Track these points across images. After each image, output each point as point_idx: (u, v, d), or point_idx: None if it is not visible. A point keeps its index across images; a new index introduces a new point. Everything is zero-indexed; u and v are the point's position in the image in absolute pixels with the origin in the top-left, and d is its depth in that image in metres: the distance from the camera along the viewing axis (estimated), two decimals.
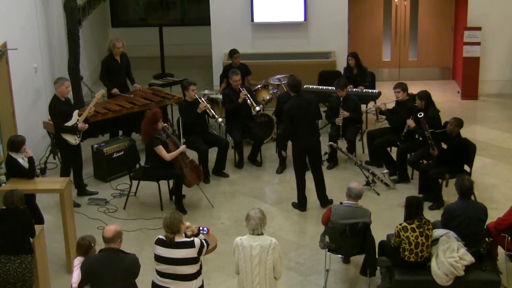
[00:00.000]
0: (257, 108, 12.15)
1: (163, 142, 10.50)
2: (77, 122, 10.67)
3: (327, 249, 8.77)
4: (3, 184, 9.21)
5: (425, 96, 11.02)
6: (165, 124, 10.91)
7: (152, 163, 10.57)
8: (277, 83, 13.44)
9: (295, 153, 10.62)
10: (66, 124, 10.60)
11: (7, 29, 11.19)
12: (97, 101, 11.17)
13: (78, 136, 10.73)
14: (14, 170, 9.39)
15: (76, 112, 10.78)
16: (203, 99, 11.72)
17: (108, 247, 7.09)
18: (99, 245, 7.35)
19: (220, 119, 11.92)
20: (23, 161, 9.39)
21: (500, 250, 8.80)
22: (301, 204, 10.73)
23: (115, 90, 12.50)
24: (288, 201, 10.90)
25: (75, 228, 9.60)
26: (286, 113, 10.50)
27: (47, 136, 12.08)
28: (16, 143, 9.36)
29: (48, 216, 10.21)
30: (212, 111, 11.68)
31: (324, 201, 10.67)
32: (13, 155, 9.34)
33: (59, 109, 10.59)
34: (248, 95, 12.11)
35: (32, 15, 12.53)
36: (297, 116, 10.36)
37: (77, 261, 7.35)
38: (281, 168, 11.98)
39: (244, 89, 12.15)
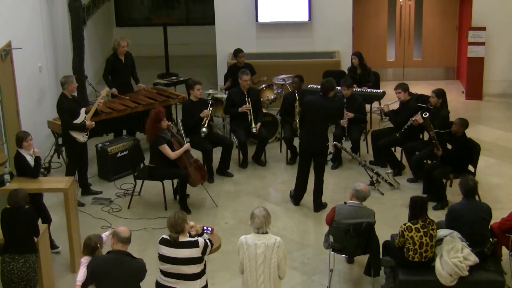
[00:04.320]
0: (254, 130, 11.99)
1: (168, 141, 10.51)
2: (85, 120, 10.72)
3: (331, 249, 8.76)
4: (8, 184, 9.22)
5: (442, 94, 11.01)
6: (170, 123, 10.92)
7: (157, 162, 10.58)
8: (282, 82, 13.43)
9: (299, 149, 10.96)
10: (74, 122, 10.66)
11: (11, 28, 11.20)
12: (102, 100, 11.23)
13: (86, 133, 10.78)
14: (21, 167, 9.42)
15: (83, 110, 10.84)
16: (210, 109, 11.66)
17: (118, 250, 7.07)
18: (107, 246, 7.36)
19: (204, 129, 11.56)
20: (31, 158, 9.40)
21: (505, 251, 8.79)
22: (293, 196, 10.82)
23: (114, 90, 12.52)
24: (289, 194, 10.95)
25: (79, 228, 9.61)
26: (303, 105, 10.86)
27: (52, 135, 12.09)
28: (17, 138, 9.40)
29: (52, 215, 10.17)
30: (207, 122, 11.60)
31: (317, 205, 10.66)
32: (22, 152, 9.37)
33: (67, 107, 10.65)
34: (250, 110, 12.05)
35: (37, 14, 12.54)
36: (307, 113, 10.50)
37: (85, 260, 7.35)
38: (292, 160, 12.14)
39: (249, 100, 12.05)
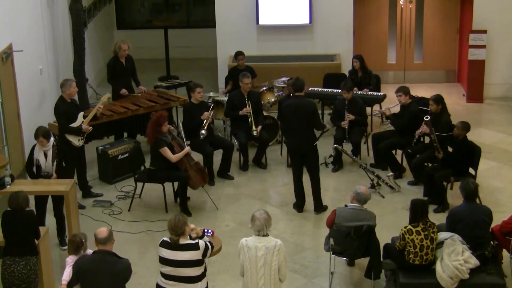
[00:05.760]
0: (254, 133, 12.03)
1: (169, 144, 10.51)
2: (82, 124, 10.70)
3: (331, 252, 8.76)
4: (8, 186, 9.23)
5: (441, 99, 11.00)
6: (171, 126, 10.92)
7: (157, 165, 10.58)
8: (282, 85, 13.43)
9: (288, 153, 11.20)
10: (71, 125, 10.64)
11: (12, 31, 11.22)
12: (102, 105, 11.18)
13: (82, 137, 10.75)
14: (28, 160, 9.66)
15: (81, 114, 10.80)
16: (212, 112, 11.66)
17: (103, 250, 7.12)
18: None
19: (203, 131, 11.61)
20: (39, 153, 9.47)
21: (505, 254, 8.78)
22: (295, 205, 10.76)
23: (124, 91, 12.49)
24: (292, 204, 10.90)
25: (80, 230, 9.60)
26: (282, 111, 10.93)
27: (52, 137, 12.07)
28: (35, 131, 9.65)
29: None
30: (207, 124, 11.62)
31: (317, 206, 10.66)
32: (36, 147, 9.52)
33: (64, 110, 10.64)
34: (251, 113, 12.05)
35: (38, 17, 12.55)
36: (287, 116, 10.53)
37: (70, 259, 7.41)
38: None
39: (250, 103, 12.05)
